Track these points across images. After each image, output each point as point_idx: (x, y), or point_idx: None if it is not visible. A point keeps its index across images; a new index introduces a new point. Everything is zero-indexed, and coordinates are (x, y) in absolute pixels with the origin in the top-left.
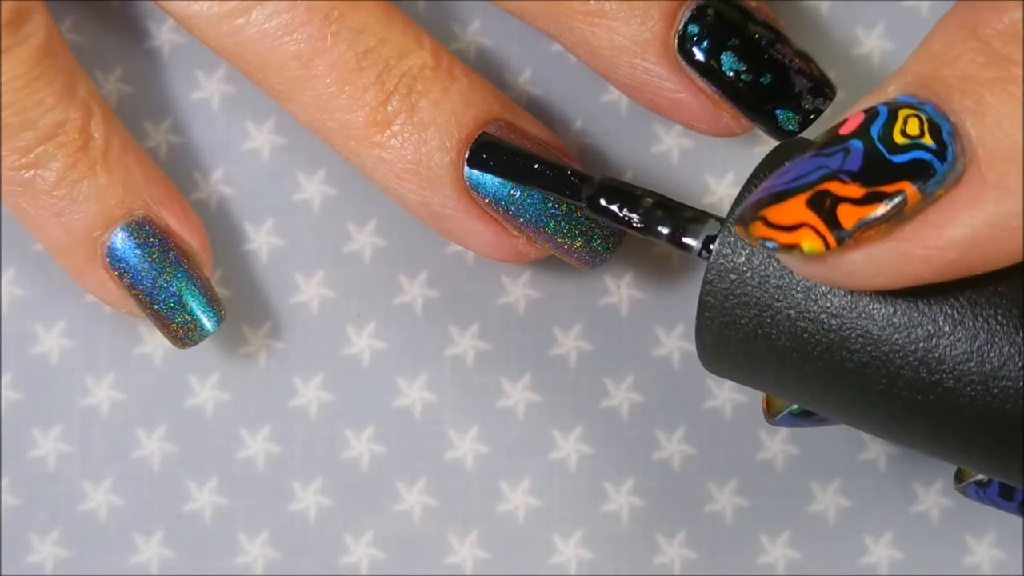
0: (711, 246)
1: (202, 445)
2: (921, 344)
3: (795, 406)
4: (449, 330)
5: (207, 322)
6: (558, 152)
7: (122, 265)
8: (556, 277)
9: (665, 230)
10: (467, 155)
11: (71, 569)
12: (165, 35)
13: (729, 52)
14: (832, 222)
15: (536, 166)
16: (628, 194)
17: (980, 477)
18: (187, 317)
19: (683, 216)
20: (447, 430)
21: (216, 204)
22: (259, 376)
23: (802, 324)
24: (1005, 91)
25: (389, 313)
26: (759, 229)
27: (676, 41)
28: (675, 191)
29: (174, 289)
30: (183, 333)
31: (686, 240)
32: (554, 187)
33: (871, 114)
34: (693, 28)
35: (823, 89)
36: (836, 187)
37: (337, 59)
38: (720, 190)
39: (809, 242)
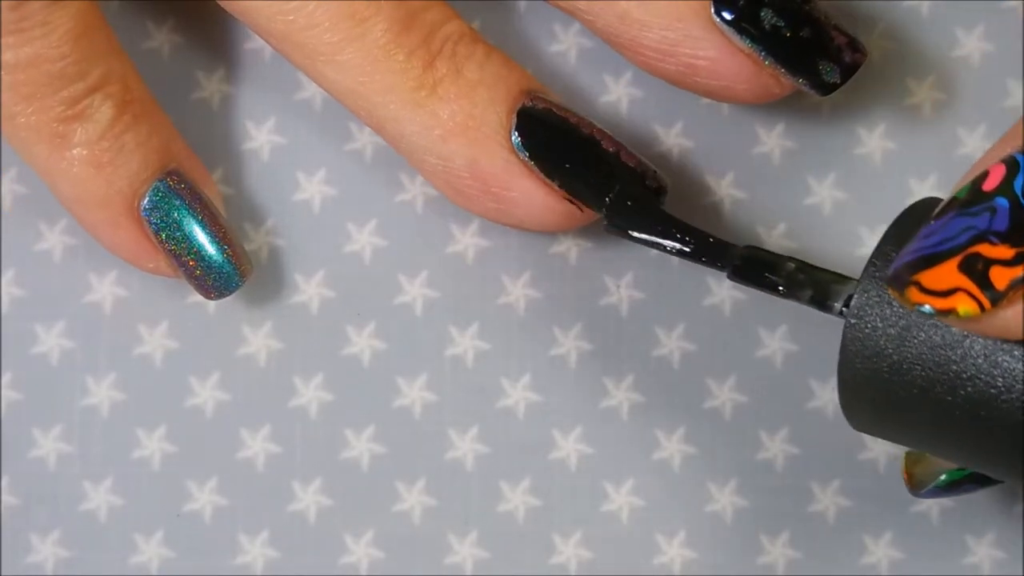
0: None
1: (202, 445)
2: None
3: (942, 477)
4: (449, 330)
5: (237, 273)
6: (595, 128)
7: (157, 217)
8: (556, 277)
9: (807, 293)
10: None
11: (71, 569)
12: (165, 35)
13: (767, 8)
14: (985, 284)
15: (675, 230)
16: (771, 262)
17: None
18: (217, 268)
19: (824, 278)
20: (447, 430)
21: None
22: (259, 376)
23: (946, 352)
24: None
25: (389, 313)
26: (914, 295)
27: (713, 2)
28: (675, 191)
29: (205, 240)
30: (213, 284)
31: (829, 302)
32: (695, 256)
33: (1011, 167)
34: None
35: (857, 45)
36: (986, 249)
37: (390, 17)
38: (720, 190)
39: (965, 306)
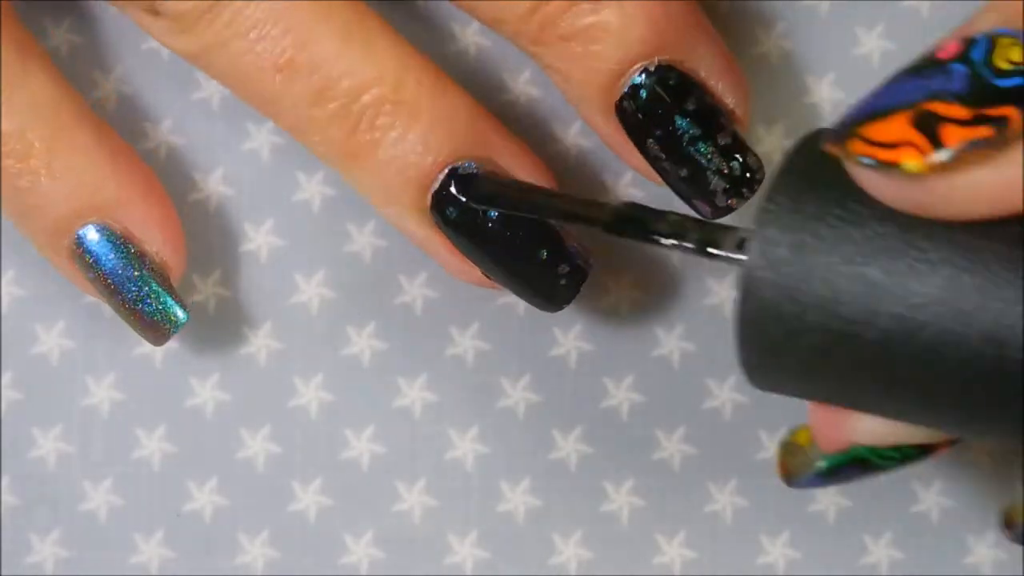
0: (744, 246)
1: (202, 445)
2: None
3: (821, 463)
4: (449, 330)
5: (177, 314)
6: (545, 183)
7: (86, 266)
8: None
9: (694, 237)
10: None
11: (71, 569)
12: None
13: (652, 139)
14: (936, 142)
15: (542, 198)
16: (648, 217)
17: None
18: (157, 311)
19: (710, 226)
20: (447, 430)
21: (216, 204)
22: (259, 376)
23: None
24: None
25: (389, 313)
26: (857, 146)
27: (615, 108)
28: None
29: (139, 288)
30: (156, 328)
31: (715, 247)
32: (568, 216)
33: (967, 42)
34: (628, 104)
35: (740, 189)
36: (940, 107)
37: (295, 100)
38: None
39: (911, 160)
